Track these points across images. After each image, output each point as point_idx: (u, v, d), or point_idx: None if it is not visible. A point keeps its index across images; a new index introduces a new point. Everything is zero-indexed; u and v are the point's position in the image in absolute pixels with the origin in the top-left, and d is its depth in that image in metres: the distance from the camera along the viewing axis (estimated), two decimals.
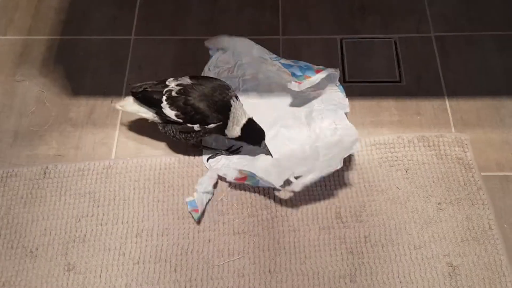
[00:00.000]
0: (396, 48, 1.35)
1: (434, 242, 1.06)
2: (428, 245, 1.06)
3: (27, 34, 1.39)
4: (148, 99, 1.11)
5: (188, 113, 1.07)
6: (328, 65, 1.30)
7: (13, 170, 1.16)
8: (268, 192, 1.11)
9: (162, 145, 1.20)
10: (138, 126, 1.23)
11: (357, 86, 1.29)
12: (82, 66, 1.33)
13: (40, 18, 1.42)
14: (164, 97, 1.08)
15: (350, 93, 1.23)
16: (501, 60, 1.33)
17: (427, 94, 1.28)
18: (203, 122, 1.07)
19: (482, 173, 1.15)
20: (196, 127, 1.08)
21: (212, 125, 1.07)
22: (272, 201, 1.10)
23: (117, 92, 1.29)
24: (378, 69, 1.32)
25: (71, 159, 1.19)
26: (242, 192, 1.12)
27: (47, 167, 1.16)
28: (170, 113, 1.08)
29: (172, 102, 1.08)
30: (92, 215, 1.10)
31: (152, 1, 1.45)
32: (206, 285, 1.02)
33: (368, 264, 1.03)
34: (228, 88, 1.10)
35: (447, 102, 1.27)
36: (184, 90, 1.08)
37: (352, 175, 1.14)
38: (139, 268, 1.04)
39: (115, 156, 1.19)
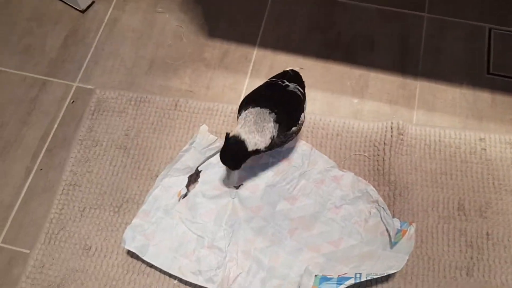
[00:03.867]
0: None
1: None
2: None
3: None
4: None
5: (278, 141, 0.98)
6: (470, 53, 1.25)
7: (146, 97, 1.20)
8: (392, 167, 1.09)
9: None
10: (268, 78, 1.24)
11: (500, 80, 1.22)
12: (220, 10, 1.34)
13: None
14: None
15: (492, 86, 1.17)
16: None
17: None
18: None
19: None
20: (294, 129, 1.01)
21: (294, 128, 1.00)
22: (395, 179, 1.08)
23: (251, 42, 1.29)
24: None
25: (201, 98, 1.21)
26: (362, 163, 1.11)
27: (178, 100, 1.19)
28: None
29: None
30: None
31: None
32: None
33: (487, 262, 1.00)
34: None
35: None
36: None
37: (481, 170, 1.09)
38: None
39: None
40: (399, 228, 0.99)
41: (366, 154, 1.12)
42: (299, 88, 1.03)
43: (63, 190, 1.10)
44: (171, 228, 1.03)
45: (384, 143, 1.11)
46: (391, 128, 1.13)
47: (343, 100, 1.21)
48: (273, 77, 1.06)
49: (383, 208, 1.02)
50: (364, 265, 0.97)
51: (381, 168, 1.09)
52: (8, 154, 1.16)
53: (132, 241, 1.01)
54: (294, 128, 0.99)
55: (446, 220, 1.04)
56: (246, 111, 0.95)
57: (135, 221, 1.04)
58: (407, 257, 0.95)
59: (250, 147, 0.93)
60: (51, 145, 1.17)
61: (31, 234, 1.07)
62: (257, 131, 0.92)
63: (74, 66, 1.27)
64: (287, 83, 1.02)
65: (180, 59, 1.27)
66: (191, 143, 1.10)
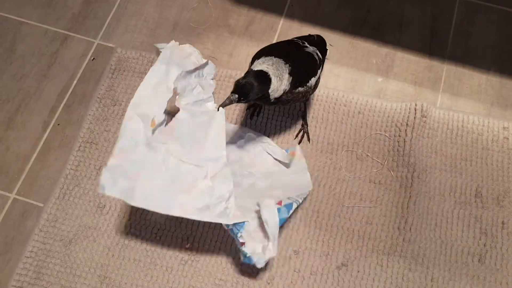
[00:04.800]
0: None
1: None
2: None
3: None
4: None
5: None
6: (499, 39, 1.23)
7: None
8: (412, 149, 1.08)
9: None
10: None
11: None
12: None
13: None
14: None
15: None
16: None
17: None
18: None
19: None
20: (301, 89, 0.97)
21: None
22: (414, 161, 1.07)
23: (277, 11, 1.27)
24: None
25: (224, 64, 1.20)
26: (381, 142, 1.10)
27: None
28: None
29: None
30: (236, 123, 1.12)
31: None
32: (333, 221, 1.02)
33: (500, 250, 1.00)
34: None
35: None
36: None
37: (502, 158, 1.08)
38: None
39: None
40: (287, 151, 1.06)
41: (387, 134, 1.10)
42: (318, 53, 1.02)
43: (79, 146, 1.10)
44: (159, 164, 0.85)
45: (407, 124, 1.10)
46: (415, 110, 1.11)
47: (367, 78, 1.19)
48: (296, 37, 1.05)
49: (267, 143, 1.07)
50: (286, 193, 0.98)
51: (401, 149, 1.08)
52: (27, 106, 1.15)
53: (113, 185, 0.82)
54: (300, 89, 0.95)
55: (462, 206, 1.04)
56: (262, 59, 0.91)
57: (112, 161, 0.84)
58: (308, 174, 1.03)
59: (271, 88, 0.89)
60: (69, 100, 1.16)
61: (45, 188, 1.07)
62: (278, 77, 0.89)
63: (96, 23, 1.25)
64: (307, 45, 1.01)
65: (204, 23, 1.25)
66: (161, 61, 0.91)
